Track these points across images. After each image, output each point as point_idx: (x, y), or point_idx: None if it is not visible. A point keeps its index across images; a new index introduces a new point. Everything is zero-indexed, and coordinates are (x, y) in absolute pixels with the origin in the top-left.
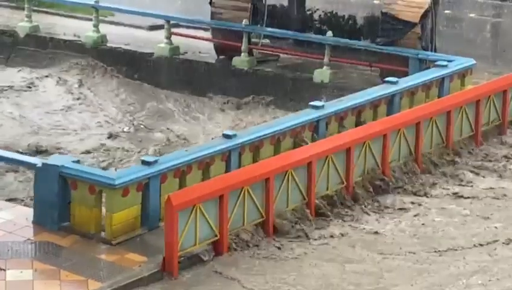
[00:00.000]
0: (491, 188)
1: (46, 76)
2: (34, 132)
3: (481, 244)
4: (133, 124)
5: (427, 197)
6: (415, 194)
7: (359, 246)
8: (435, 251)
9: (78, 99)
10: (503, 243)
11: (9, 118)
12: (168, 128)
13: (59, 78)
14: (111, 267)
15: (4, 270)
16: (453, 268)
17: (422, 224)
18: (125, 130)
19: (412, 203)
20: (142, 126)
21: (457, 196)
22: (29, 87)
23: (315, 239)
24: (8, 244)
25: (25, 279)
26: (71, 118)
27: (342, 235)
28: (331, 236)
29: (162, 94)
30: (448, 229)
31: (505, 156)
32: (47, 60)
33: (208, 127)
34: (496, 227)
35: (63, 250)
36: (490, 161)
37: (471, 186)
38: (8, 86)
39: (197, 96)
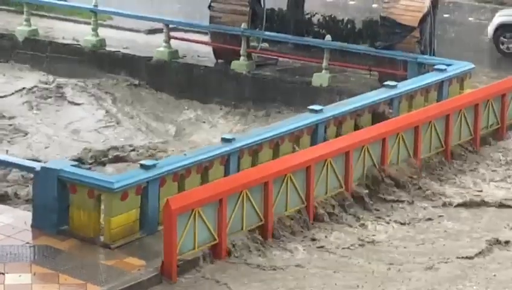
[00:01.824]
0: (497, 195)
1: (64, 85)
2: (87, 150)
3: (489, 254)
4: (172, 133)
5: (428, 202)
6: (415, 199)
7: (359, 251)
8: (443, 259)
9: (110, 112)
10: None
11: (56, 141)
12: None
13: (81, 88)
14: (110, 271)
15: (3, 274)
16: (453, 274)
17: (427, 230)
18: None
19: (412, 208)
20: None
21: (463, 202)
22: (60, 96)
23: (314, 244)
24: (6, 248)
25: (23, 283)
26: (116, 132)
27: (342, 240)
28: (331, 241)
29: (182, 104)
30: (457, 236)
31: (505, 161)
32: (47, 63)
33: (207, 132)
34: (507, 235)
35: (61, 254)
36: (491, 165)
37: (477, 192)
38: (38, 98)
39: (195, 101)
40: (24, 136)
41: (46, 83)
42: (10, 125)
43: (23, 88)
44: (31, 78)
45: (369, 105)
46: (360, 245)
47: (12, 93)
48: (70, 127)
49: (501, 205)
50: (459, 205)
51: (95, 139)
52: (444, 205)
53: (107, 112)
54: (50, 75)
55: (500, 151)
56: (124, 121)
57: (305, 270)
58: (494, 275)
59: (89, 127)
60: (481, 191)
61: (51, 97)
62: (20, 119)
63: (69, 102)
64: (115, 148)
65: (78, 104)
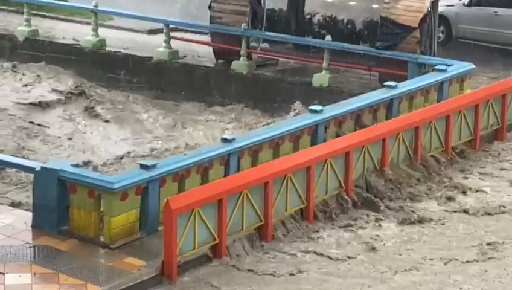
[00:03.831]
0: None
1: (93, 96)
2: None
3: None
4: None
5: (438, 205)
6: (420, 201)
7: (361, 254)
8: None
9: (150, 123)
10: None
11: (116, 157)
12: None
13: (109, 100)
14: (110, 271)
15: (3, 274)
16: (454, 278)
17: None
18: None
19: (417, 210)
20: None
21: (480, 207)
22: (92, 106)
23: (314, 246)
24: (7, 248)
25: (23, 283)
26: (172, 143)
27: (343, 242)
28: (331, 243)
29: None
30: (467, 240)
31: (506, 161)
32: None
33: (207, 133)
34: None
35: (62, 254)
36: (493, 166)
37: (493, 196)
38: (76, 110)
39: (196, 101)
40: (83, 153)
41: (81, 94)
42: (70, 146)
43: (60, 99)
44: (55, 81)
45: (370, 105)
46: (362, 248)
47: (52, 104)
48: (123, 141)
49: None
50: (474, 209)
51: (156, 149)
52: (458, 208)
53: (148, 124)
54: (70, 79)
55: (500, 153)
56: (170, 131)
57: (304, 275)
58: (497, 281)
59: (140, 141)
60: (499, 194)
61: (93, 110)
62: (77, 136)
63: (101, 115)
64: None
65: (117, 118)
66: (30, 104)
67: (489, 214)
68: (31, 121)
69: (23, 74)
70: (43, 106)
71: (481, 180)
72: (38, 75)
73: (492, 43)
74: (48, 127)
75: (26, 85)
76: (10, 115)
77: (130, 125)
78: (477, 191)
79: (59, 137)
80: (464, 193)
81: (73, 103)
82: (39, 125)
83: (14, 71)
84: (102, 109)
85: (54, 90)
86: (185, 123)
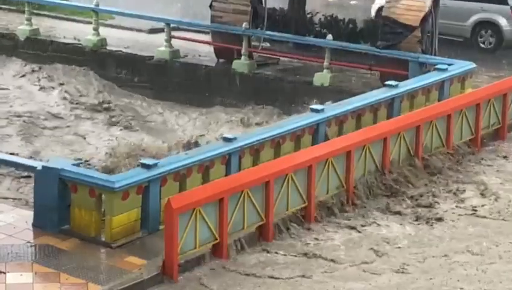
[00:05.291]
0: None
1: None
2: None
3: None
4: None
5: (446, 204)
6: (416, 199)
7: (363, 256)
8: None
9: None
10: None
11: None
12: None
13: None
14: (111, 270)
15: (4, 273)
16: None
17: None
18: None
19: (419, 210)
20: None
21: (479, 205)
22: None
23: (314, 246)
24: (8, 247)
25: (24, 282)
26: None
27: (345, 242)
28: (332, 244)
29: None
30: (473, 243)
31: (507, 160)
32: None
33: (208, 132)
34: None
35: (63, 253)
36: (504, 167)
37: (495, 196)
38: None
39: (197, 101)
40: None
41: (108, 109)
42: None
43: (86, 107)
44: (75, 86)
45: (371, 104)
46: (365, 248)
47: (80, 113)
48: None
49: None
50: (486, 210)
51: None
52: (470, 209)
53: (180, 129)
54: (92, 83)
55: (501, 152)
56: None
57: (306, 276)
58: (498, 281)
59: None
60: (496, 194)
61: (118, 119)
62: (117, 148)
63: (131, 125)
64: None
65: (148, 128)
66: (59, 113)
67: (501, 215)
68: (67, 131)
69: (43, 77)
70: (73, 114)
71: (493, 181)
72: (58, 78)
73: (441, 35)
74: (84, 138)
75: (49, 90)
76: (46, 127)
77: (162, 132)
78: (489, 191)
79: (103, 148)
80: (475, 193)
81: (100, 112)
82: (78, 135)
83: (34, 74)
84: (129, 117)
85: (78, 97)
86: (221, 125)
